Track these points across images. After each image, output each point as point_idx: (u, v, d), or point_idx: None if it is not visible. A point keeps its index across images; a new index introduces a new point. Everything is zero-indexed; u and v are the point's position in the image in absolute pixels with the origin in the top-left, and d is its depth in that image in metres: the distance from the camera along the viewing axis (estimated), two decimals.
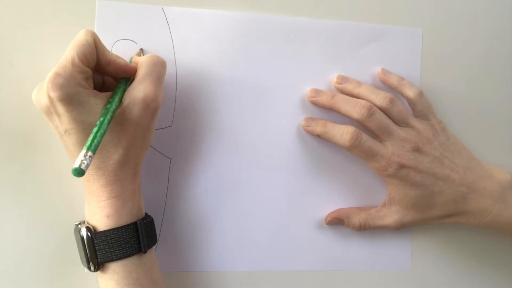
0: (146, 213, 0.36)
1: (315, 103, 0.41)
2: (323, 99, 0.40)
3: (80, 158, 0.27)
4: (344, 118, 0.39)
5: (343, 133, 0.38)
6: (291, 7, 0.41)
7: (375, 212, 0.41)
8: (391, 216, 0.40)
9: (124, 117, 0.32)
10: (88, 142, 0.28)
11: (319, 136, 0.40)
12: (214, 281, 0.40)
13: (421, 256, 0.43)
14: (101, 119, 0.30)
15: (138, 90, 0.32)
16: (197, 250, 0.40)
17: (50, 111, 0.30)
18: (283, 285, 0.41)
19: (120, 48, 0.38)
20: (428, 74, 0.43)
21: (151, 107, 0.32)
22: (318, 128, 0.39)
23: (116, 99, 0.32)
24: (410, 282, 0.43)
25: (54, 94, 0.29)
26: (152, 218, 0.36)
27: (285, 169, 0.41)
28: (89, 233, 0.32)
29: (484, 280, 0.45)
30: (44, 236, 0.38)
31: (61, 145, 0.34)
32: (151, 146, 0.39)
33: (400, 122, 0.39)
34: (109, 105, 0.31)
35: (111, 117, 0.30)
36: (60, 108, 0.30)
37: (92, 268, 0.33)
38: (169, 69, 0.39)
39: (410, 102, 0.41)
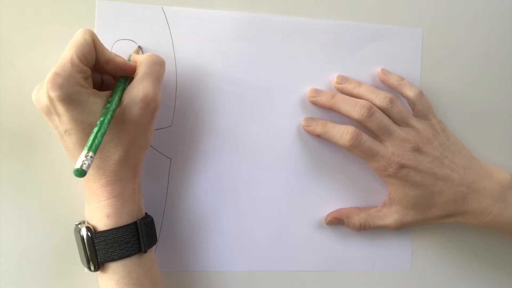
0: (146, 213, 0.36)
1: (315, 103, 0.41)
2: (323, 99, 0.40)
3: (81, 158, 0.27)
4: (344, 118, 0.39)
5: (343, 133, 0.38)
6: (291, 7, 0.41)
7: (375, 212, 0.41)
8: (391, 216, 0.40)
9: (124, 117, 0.32)
10: (89, 142, 0.28)
11: (319, 136, 0.40)
12: (214, 281, 0.40)
13: (421, 256, 0.43)
14: (101, 118, 0.30)
15: (138, 90, 0.32)
16: (197, 250, 0.40)
17: (50, 111, 0.30)
18: (283, 285, 0.41)
19: (120, 48, 0.38)
20: (428, 74, 0.43)
21: (150, 106, 0.32)
22: (318, 128, 0.39)
23: (116, 98, 0.32)
24: (410, 282, 0.43)
25: (53, 94, 0.29)
26: (152, 218, 0.36)
27: (285, 169, 0.41)
28: (89, 233, 0.32)
29: (484, 280, 0.45)
30: (44, 236, 0.38)
31: (61, 145, 0.34)
32: (151, 146, 0.39)
33: (400, 122, 0.39)
34: (108, 105, 0.31)
35: (111, 117, 0.30)
36: (60, 108, 0.30)
37: (92, 268, 0.32)
38: (169, 69, 0.39)
39: (410, 102, 0.41)
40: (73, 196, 0.38)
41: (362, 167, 0.42)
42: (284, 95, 0.41)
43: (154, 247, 0.36)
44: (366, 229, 0.40)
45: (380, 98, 0.38)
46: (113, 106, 0.31)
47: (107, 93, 0.32)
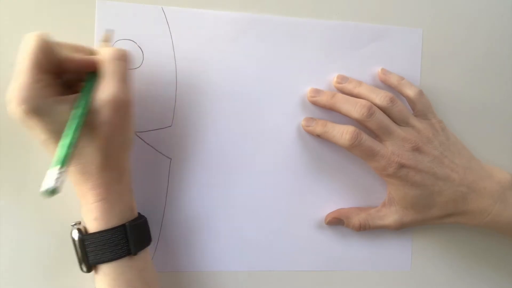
0: (139, 214, 0.35)
1: (315, 103, 0.41)
2: (323, 99, 0.40)
3: (51, 176, 0.26)
4: (344, 118, 0.39)
5: (343, 132, 0.38)
6: (291, 7, 0.41)
7: (375, 212, 0.41)
8: (391, 216, 0.40)
9: (96, 121, 0.30)
10: (57, 157, 0.27)
11: (319, 136, 0.40)
12: (214, 281, 0.40)
13: (421, 256, 0.43)
14: (69, 127, 0.29)
15: (104, 92, 0.30)
16: (197, 250, 0.40)
17: (24, 123, 0.30)
18: (283, 285, 0.41)
19: None
20: (428, 74, 0.43)
21: (121, 107, 0.31)
22: (318, 128, 0.39)
23: (83, 101, 0.30)
24: (410, 282, 0.43)
25: (20, 109, 0.28)
26: (145, 219, 0.36)
27: (285, 169, 0.41)
28: (79, 235, 0.32)
29: (484, 280, 0.45)
30: (44, 236, 0.38)
31: None
32: (151, 146, 0.39)
33: (400, 121, 0.39)
34: (76, 109, 0.30)
35: (80, 123, 0.29)
36: (30, 122, 0.29)
37: (84, 269, 0.33)
38: (169, 69, 0.39)
39: (410, 101, 0.41)
40: (72, 196, 0.38)
41: (362, 167, 0.42)
42: (284, 95, 0.41)
43: (154, 247, 0.36)
44: (366, 229, 0.40)
45: (380, 97, 0.38)
46: (80, 111, 0.29)
47: (74, 96, 0.31)
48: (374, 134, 0.39)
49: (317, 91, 0.40)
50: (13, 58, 0.37)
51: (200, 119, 0.39)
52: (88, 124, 0.30)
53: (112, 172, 0.32)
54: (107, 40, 0.36)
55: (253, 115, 0.40)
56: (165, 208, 0.39)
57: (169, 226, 0.39)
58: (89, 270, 0.33)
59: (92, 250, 0.32)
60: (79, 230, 0.33)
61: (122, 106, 0.31)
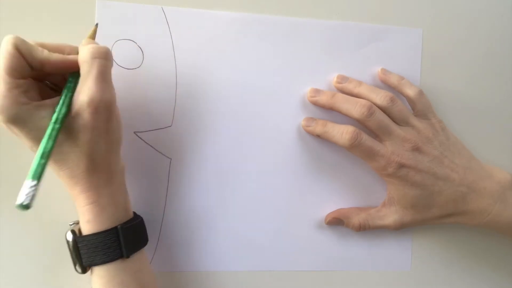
0: (135, 214, 0.35)
1: (315, 103, 0.41)
2: (323, 99, 0.40)
3: (24, 190, 0.26)
4: (344, 118, 0.39)
5: (342, 132, 0.38)
6: (291, 7, 0.41)
7: (375, 212, 0.41)
8: (391, 216, 0.40)
9: (76, 125, 0.29)
10: (31, 171, 0.27)
11: (319, 136, 0.40)
12: (214, 281, 0.40)
13: (421, 256, 0.43)
14: (46, 133, 0.28)
15: (83, 94, 0.29)
16: (197, 250, 0.40)
17: (8, 130, 0.29)
18: (283, 285, 0.41)
19: (120, 48, 0.38)
20: (428, 74, 0.43)
21: (101, 109, 0.29)
22: (318, 128, 0.39)
23: (62, 104, 0.29)
24: (410, 282, 0.43)
25: (1, 118, 0.28)
26: (141, 219, 0.35)
27: (285, 169, 0.41)
28: (73, 236, 0.33)
29: (484, 280, 0.45)
30: (43, 236, 0.38)
31: None
32: (151, 146, 0.39)
33: (400, 121, 0.39)
34: (54, 114, 0.29)
35: (57, 128, 0.28)
36: (13, 130, 0.29)
37: (79, 270, 0.33)
38: (169, 69, 0.39)
39: (410, 101, 0.41)
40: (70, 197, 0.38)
41: (362, 167, 0.42)
42: (284, 95, 0.41)
43: (154, 247, 0.36)
44: (366, 229, 0.40)
45: (381, 97, 0.38)
46: (58, 115, 0.28)
47: (54, 100, 0.30)
48: (374, 134, 0.39)
49: (317, 91, 0.40)
50: None
51: (200, 119, 0.39)
52: (70, 128, 0.29)
53: (100, 175, 0.32)
54: (92, 36, 0.33)
55: (253, 115, 0.40)
56: (165, 208, 0.39)
57: (169, 226, 0.39)
58: (83, 271, 0.33)
59: (85, 252, 0.32)
60: (73, 231, 0.33)
61: (103, 107, 0.29)
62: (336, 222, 0.41)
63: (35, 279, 0.38)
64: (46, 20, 0.37)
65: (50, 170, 0.37)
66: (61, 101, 0.29)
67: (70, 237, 0.33)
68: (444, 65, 0.43)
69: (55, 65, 0.30)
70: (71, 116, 0.29)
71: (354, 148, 0.38)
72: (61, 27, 0.37)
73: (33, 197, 0.25)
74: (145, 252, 0.36)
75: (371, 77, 0.42)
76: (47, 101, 0.30)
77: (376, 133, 0.38)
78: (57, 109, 0.29)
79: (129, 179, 0.36)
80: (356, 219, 0.40)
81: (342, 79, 0.41)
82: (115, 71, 0.34)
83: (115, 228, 0.32)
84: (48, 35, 0.37)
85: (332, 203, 0.42)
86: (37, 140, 0.29)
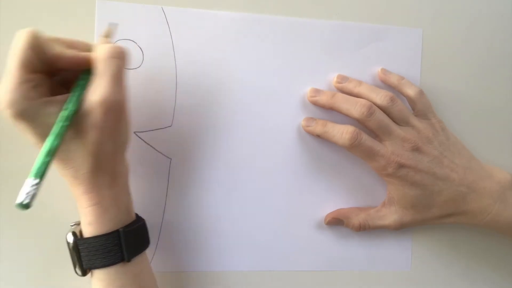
0: (137, 216, 0.35)
1: (315, 103, 0.41)
2: (323, 99, 0.40)
3: (25, 189, 0.25)
4: (344, 119, 0.39)
5: (342, 132, 0.38)
6: (291, 7, 0.41)
7: (375, 212, 0.41)
8: (390, 216, 0.40)
9: (85, 124, 0.29)
10: (33, 169, 0.26)
11: (319, 136, 0.40)
12: (214, 281, 0.40)
13: (421, 256, 0.43)
14: (52, 131, 0.27)
15: (95, 93, 0.29)
16: (197, 250, 0.40)
17: (15, 125, 0.29)
18: (283, 285, 0.41)
19: None
20: (428, 74, 0.43)
21: (113, 110, 0.29)
22: (318, 128, 0.39)
23: (72, 102, 0.28)
24: (410, 282, 0.43)
25: (8, 112, 0.27)
26: (143, 222, 0.35)
27: (285, 169, 0.41)
28: (74, 238, 0.32)
29: (484, 280, 0.45)
30: (43, 236, 0.38)
31: None
32: (151, 146, 0.39)
33: (400, 121, 0.39)
34: (63, 111, 0.28)
35: (65, 126, 0.28)
36: (19, 125, 0.28)
37: (79, 272, 0.32)
38: (169, 69, 0.39)
39: (411, 101, 0.41)
40: (72, 197, 0.38)
41: (362, 167, 0.42)
42: (284, 95, 0.41)
43: (154, 247, 0.36)
44: (366, 229, 0.40)
45: (381, 96, 0.38)
46: (67, 113, 0.28)
47: (63, 97, 0.29)
48: (374, 133, 0.39)
49: (317, 91, 0.40)
50: None
51: (200, 119, 0.39)
52: (78, 127, 0.29)
53: (105, 177, 0.31)
54: (108, 35, 0.33)
55: (253, 115, 0.40)
56: (165, 208, 0.39)
57: (169, 226, 0.39)
58: (83, 274, 0.32)
59: (86, 254, 0.32)
60: (74, 233, 0.32)
61: (114, 109, 0.29)
62: (336, 222, 0.41)
63: (35, 280, 0.38)
64: (46, 20, 0.37)
65: (53, 169, 0.37)
66: (71, 99, 0.29)
67: (70, 239, 0.32)
68: (444, 65, 0.43)
69: (68, 61, 0.29)
70: (81, 114, 0.29)
71: (354, 148, 0.38)
72: (61, 27, 0.37)
73: (33, 196, 0.25)
74: (147, 254, 0.36)
75: (371, 77, 0.42)
76: (57, 98, 0.29)
77: (376, 133, 0.38)
78: (67, 107, 0.28)
79: (129, 179, 0.36)
80: (356, 219, 0.40)
81: (342, 79, 0.41)
82: None
83: (117, 231, 0.32)
84: (48, 34, 0.37)
85: (332, 203, 0.42)
86: (43, 136, 0.28)
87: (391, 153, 0.37)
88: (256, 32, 0.40)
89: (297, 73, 0.41)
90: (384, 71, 0.41)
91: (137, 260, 0.33)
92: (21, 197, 0.25)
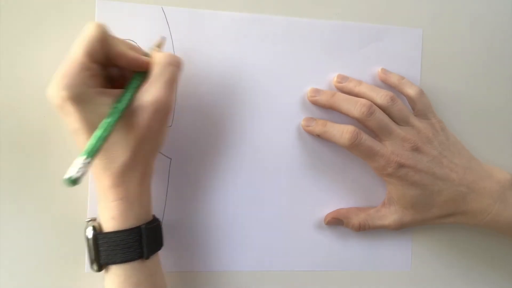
0: (154, 216, 0.35)
1: (315, 103, 0.41)
2: (323, 98, 0.40)
3: (76, 165, 0.26)
4: (344, 119, 0.39)
5: (342, 132, 0.38)
6: (291, 7, 0.41)
7: (375, 212, 0.41)
8: (390, 216, 0.40)
9: (133, 120, 0.31)
10: (87, 148, 0.27)
11: (319, 136, 0.40)
12: (214, 281, 0.40)
13: (421, 256, 0.43)
14: (106, 120, 0.29)
15: (149, 93, 0.31)
16: (197, 250, 0.40)
17: (61, 109, 0.30)
18: (283, 285, 0.41)
19: None
20: (428, 74, 0.43)
21: (162, 111, 0.31)
22: (317, 127, 0.39)
23: (126, 98, 0.31)
24: (410, 282, 0.43)
25: (63, 94, 0.29)
26: (159, 222, 0.35)
27: (285, 169, 0.41)
28: (94, 232, 0.32)
29: (484, 280, 0.45)
30: (44, 236, 0.38)
31: (60, 145, 0.33)
32: None
33: (400, 120, 0.39)
34: (117, 104, 0.30)
35: (118, 118, 0.29)
36: (69, 108, 0.29)
37: (95, 268, 0.32)
38: None
39: (411, 100, 0.41)
40: (74, 196, 0.38)
41: (362, 167, 0.42)
42: (284, 95, 0.41)
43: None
44: (366, 229, 0.40)
45: (381, 96, 0.38)
46: (122, 106, 0.30)
47: (118, 91, 0.31)
48: (374, 133, 0.39)
49: (317, 91, 0.40)
50: (13, 58, 0.37)
51: (200, 119, 0.40)
52: (125, 121, 0.30)
53: (135, 173, 0.32)
54: (159, 45, 0.36)
55: (253, 115, 0.40)
56: (165, 208, 0.39)
57: (169, 226, 0.39)
58: (99, 269, 0.33)
59: (105, 249, 0.32)
60: (93, 228, 0.32)
61: (163, 110, 0.31)
62: (336, 222, 0.41)
63: (35, 280, 0.38)
64: (46, 20, 0.37)
65: (55, 171, 0.37)
66: (125, 94, 0.31)
67: (90, 233, 0.32)
68: (444, 65, 0.43)
69: (128, 61, 0.32)
70: (130, 110, 0.31)
71: (354, 148, 0.38)
72: (61, 27, 0.37)
73: (83, 174, 0.26)
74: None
75: (371, 77, 0.42)
76: (111, 90, 0.31)
77: (376, 133, 0.38)
78: (121, 100, 0.30)
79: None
80: (356, 219, 0.40)
81: (342, 78, 0.41)
82: None
83: (139, 227, 0.32)
84: (48, 34, 0.37)
85: (332, 203, 0.42)
86: (89, 123, 0.29)
87: (391, 153, 0.37)
88: (256, 32, 0.40)
89: (297, 73, 0.41)
90: (384, 71, 0.42)
91: (153, 259, 0.34)
92: (72, 172, 0.26)
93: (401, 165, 0.37)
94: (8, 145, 0.37)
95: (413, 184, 0.38)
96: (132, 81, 0.32)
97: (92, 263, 0.32)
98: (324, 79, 0.41)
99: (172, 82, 0.32)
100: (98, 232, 0.32)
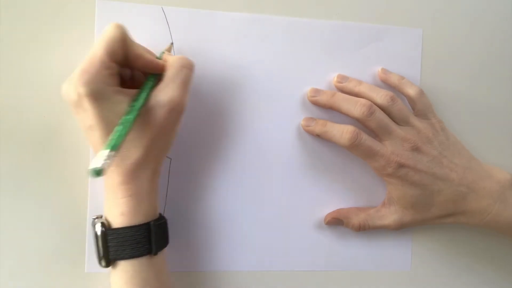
0: (160, 214, 0.36)
1: (315, 103, 0.41)
2: (323, 98, 0.40)
3: (100, 157, 0.27)
4: (344, 119, 0.39)
5: (342, 132, 0.38)
6: (291, 7, 0.41)
7: (375, 212, 0.41)
8: (390, 216, 0.40)
9: (148, 119, 0.32)
10: (110, 141, 0.28)
11: (318, 136, 0.40)
12: (214, 281, 0.40)
13: (421, 256, 0.43)
14: (126, 117, 0.30)
15: (164, 93, 0.32)
16: (197, 250, 0.40)
17: (77, 105, 0.31)
18: (283, 285, 0.41)
19: None
20: (428, 74, 0.43)
21: (176, 111, 0.32)
22: (317, 127, 0.39)
23: (142, 97, 0.31)
24: (410, 282, 0.43)
25: (81, 90, 0.29)
26: (166, 220, 0.36)
27: (285, 169, 0.41)
28: (103, 228, 0.32)
29: (484, 280, 0.45)
30: (44, 236, 0.38)
31: (60, 145, 0.33)
32: None
33: (400, 120, 0.39)
34: (134, 103, 0.31)
35: (136, 116, 0.30)
36: (86, 104, 0.30)
37: (103, 264, 0.33)
38: None
39: (411, 100, 0.41)
40: (74, 196, 0.38)
41: (361, 167, 0.42)
42: (284, 95, 0.41)
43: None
44: (366, 229, 0.40)
45: (381, 96, 0.39)
46: (139, 105, 0.31)
47: (133, 91, 0.32)
48: (374, 133, 0.39)
49: (317, 91, 0.40)
50: (13, 58, 0.37)
51: (200, 119, 0.40)
52: (139, 120, 0.31)
53: (146, 171, 0.33)
54: (169, 50, 0.38)
55: (253, 115, 0.40)
56: (165, 208, 0.39)
57: (169, 226, 0.39)
58: (108, 265, 0.33)
59: (114, 245, 0.32)
60: (103, 224, 0.33)
61: (177, 110, 0.32)
62: (336, 222, 0.41)
63: (35, 280, 0.38)
64: (46, 20, 0.37)
65: (55, 171, 0.37)
66: (141, 94, 0.32)
67: (99, 229, 0.32)
68: (444, 65, 0.43)
69: (145, 63, 0.33)
70: (145, 110, 0.31)
71: (353, 148, 0.38)
72: (61, 27, 0.37)
73: (108, 165, 0.26)
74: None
75: (371, 77, 0.42)
76: (127, 90, 0.32)
77: (376, 133, 0.38)
78: (138, 99, 0.31)
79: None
80: (356, 219, 0.40)
81: (342, 78, 0.41)
82: None
83: (148, 223, 0.33)
84: (48, 35, 0.37)
85: (332, 203, 0.42)
86: (104, 120, 0.30)
87: (391, 153, 0.37)
88: (256, 32, 0.40)
89: (297, 73, 0.41)
90: (384, 70, 0.42)
91: (160, 256, 0.34)
92: (97, 163, 0.26)
93: (401, 165, 0.37)
94: (8, 145, 0.37)
95: (413, 184, 0.38)
96: (146, 82, 0.33)
97: (100, 259, 0.33)
98: (324, 79, 0.41)
99: (186, 84, 0.33)
100: (108, 228, 0.33)
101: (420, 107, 0.40)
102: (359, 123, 0.38)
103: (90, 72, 0.29)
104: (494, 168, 0.41)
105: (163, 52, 0.37)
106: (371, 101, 0.38)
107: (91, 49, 0.31)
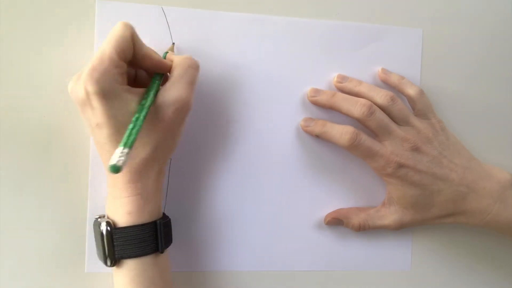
0: (164, 213, 0.36)
1: (315, 103, 0.41)
2: (323, 98, 0.40)
3: (117, 154, 0.27)
4: (344, 119, 0.39)
5: (342, 133, 0.38)
6: (291, 7, 0.41)
7: (374, 212, 0.41)
8: (390, 216, 0.40)
9: (155, 117, 0.32)
10: (125, 139, 0.28)
11: (318, 136, 0.40)
12: (214, 281, 0.40)
13: (421, 256, 0.43)
14: (137, 115, 0.30)
15: (171, 92, 0.32)
16: (197, 250, 0.40)
17: (84, 103, 0.30)
18: (283, 285, 0.41)
19: None
20: (428, 74, 0.43)
21: (183, 110, 0.32)
22: (317, 128, 0.39)
23: (151, 95, 0.32)
24: (410, 282, 0.43)
25: (90, 88, 0.29)
26: (170, 219, 0.36)
27: (284, 169, 0.41)
28: (108, 228, 0.32)
29: (484, 280, 0.45)
30: (44, 236, 0.38)
31: (61, 144, 0.33)
32: None
33: (400, 120, 0.39)
34: (144, 101, 0.31)
35: (146, 114, 0.30)
36: (95, 102, 0.30)
37: (108, 263, 0.33)
38: None
39: (411, 100, 0.41)
40: (74, 196, 0.38)
41: (361, 167, 0.42)
42: (284, 95, 0.41)
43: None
44: (366, 229, 0.40)
45: (381, 96, 0.39)
46: (148, 103, 0.31)
47: (141, 90, 0.32)
48: (374, 133, 0.39)
49: (317, 91, 0.40)
50: (13, 57, 0.37)
51: (200, 119, 0.40)
52: (147, 118, 0.31)
53: (152, 170, 0.33)
54: (172, 50, 0.38)
55: (253, 115, 0.40)
56: (165, 208, 0.39)
57: None
58: (113, 264, 0.33)
59: (120, 244, 0.32)
60: (107, 223, 0.33)
61: (184, 109, 0.32)
62: (336, 222, 0.41)
63: (35, 280, 0.38)
64: (46, 19, 0.37)
65: (55, 171, 0.37)
66: (149, 93, 0.32)
67: (104, 229, 0.32)
68: (444, 65, 0.43)
69: (153, 63, 0.33)
70: (152, 108, 0.31)
71: (353, 148, 0.38)
72: (61, 27, 0.37)
73: (124, 162, 0.27)
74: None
75: (371, 77, 0.42)
76: (137, 89, 0.32)
77: (376, 133, 0.38)
78: (151, 98, 0.31)
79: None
80: (356, 219, 0.40)
81: (343, 78, 0.41)
82: None
83: (154, 222, 0.33)
84: (48, 35, 0.37)
85: (332, 203, 0.42)
86: (112, 118, 0.30)
87: (391, 153, 0.37)
88: (256, 32, 0.40)
89: (297, 73, 0.41)
90: (384, 70, 0.42)
91: (165, 255, 0.35)
92: (115, 159, 0.27)
93: (400, 165, 0.37)
94: (8, 145, 0.37)
95: (413, 184, 0.38)
96: (154, 81, 0.33)
97: (105, 258, 0.33)
98: (324, 79, 0.41)
99: (192, 83, 0.33)
100: (113, 228, 0.33)
101: (420, 107, 0.40)
102: (359, 123, 0.38)
103: (99, 70, 0.29)
104: (494, 168, 0.41)
105: (167, 52, 0.37)
106: (371, 101, 0.38)
107: (100, 47, 0.30)
